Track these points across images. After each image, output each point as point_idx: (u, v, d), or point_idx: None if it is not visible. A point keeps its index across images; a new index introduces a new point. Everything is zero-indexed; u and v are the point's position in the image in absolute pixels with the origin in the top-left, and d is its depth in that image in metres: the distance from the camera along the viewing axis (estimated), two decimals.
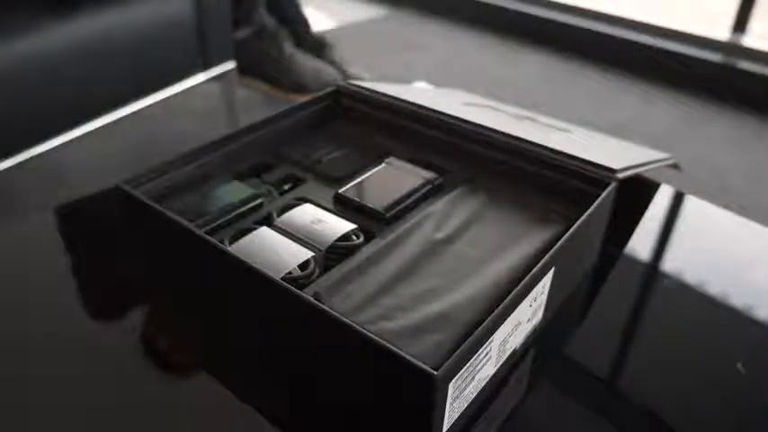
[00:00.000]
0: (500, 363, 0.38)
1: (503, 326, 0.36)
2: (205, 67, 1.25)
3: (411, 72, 2.00)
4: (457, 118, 0.54)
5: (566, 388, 0.44)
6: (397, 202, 0.47)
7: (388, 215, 0.46)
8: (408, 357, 0.31)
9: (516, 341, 0.40)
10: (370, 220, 0.46)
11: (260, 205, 0.46)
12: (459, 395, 0.34)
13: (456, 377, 0.32)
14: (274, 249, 0.41)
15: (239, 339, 0.42)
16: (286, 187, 0.50)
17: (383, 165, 0.52)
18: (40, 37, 0.92)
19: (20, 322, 0.45)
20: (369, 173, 0.51)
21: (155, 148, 0.70)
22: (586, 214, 0.42)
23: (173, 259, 0.45)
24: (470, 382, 0.35)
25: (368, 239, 0.44)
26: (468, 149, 0.53)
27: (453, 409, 0.34)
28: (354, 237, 0.44)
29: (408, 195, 0.48)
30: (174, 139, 0.73)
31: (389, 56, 2.14)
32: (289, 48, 1.62)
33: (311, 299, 0.35)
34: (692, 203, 0.64)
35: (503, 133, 0.52)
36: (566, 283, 0.45)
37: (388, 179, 0.50)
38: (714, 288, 0.52)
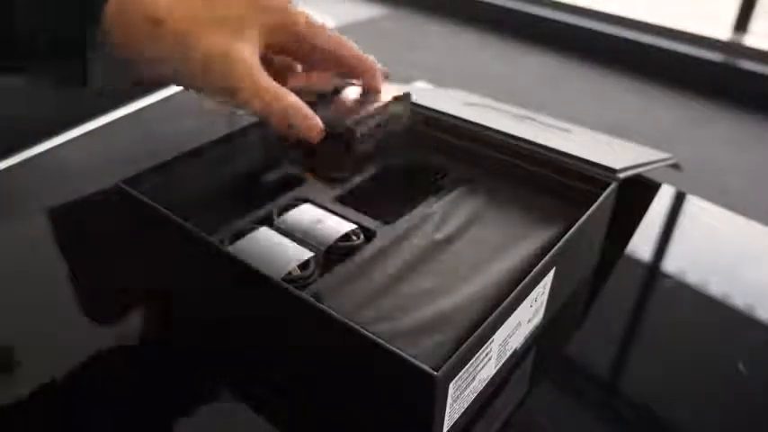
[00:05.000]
0: (500, 363, 0.38)
1: (503, 326, 0.36)
2: None
3: (411, 71, 2.00)
4: (457, 118, 0.54)
5: (566, 388, 0.44)
6: (398, 203, 0.47)
7: (388, 215, 0.46)
8: (409, 358, 0.31)
9: (517, 341, 0.40)
10: (371, 220, 0.45)
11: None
12: (460, 395, 0.34)
13: (456, 378, 0.32)
14: (274, 249, 0.41)
15: (239, 339, 0.42)
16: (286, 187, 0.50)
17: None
18: None
19: (19, 322, 0.45)
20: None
21: (155, 148, 0.70)
22: (587, 214, 0.42)
23: (173, 259, 0.45)
24: (471, 382, 0.35)
25: (368, 239, 0.44)
26: (468, 149, 0.53)
27: (454, 409, 0.34)
28: (354, 237, 0.44)
29: (408, 195, 0.48)
30: (174, 139, 0.73)
31: (389, 55, 2.14)
32: None
33: (311, 299, 0.35)
34: (692, 203, 0.64)
35: (503, 133, 0.52)
36: (566, 283, 0.45)
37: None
38: (714, 288, 0.52)
